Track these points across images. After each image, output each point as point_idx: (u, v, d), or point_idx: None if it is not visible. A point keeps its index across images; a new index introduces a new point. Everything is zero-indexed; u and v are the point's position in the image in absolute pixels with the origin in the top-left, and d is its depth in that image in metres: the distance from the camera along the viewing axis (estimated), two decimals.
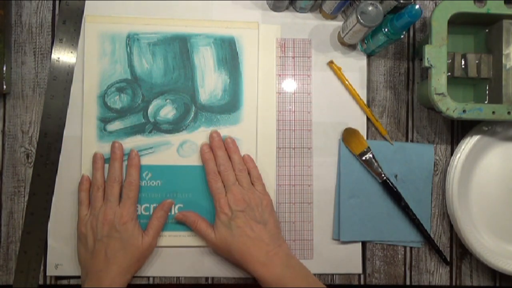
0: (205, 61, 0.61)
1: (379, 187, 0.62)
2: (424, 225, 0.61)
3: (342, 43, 0.63)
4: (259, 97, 0.62)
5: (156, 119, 0.61)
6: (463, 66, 0.60)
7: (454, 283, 0.63)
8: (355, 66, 0.63)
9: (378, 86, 0.64)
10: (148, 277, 0.60)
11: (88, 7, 0.61)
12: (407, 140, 0.64)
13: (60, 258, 0.59)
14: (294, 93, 0.63)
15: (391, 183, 0.61)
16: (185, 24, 0.61)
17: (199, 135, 0.61)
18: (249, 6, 0.62)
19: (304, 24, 0.63)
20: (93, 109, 0.60)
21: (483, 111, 0.56)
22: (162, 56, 0.61)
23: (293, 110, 0.62)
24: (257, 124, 0.61)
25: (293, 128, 0.62)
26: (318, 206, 0.62)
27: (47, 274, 0.59)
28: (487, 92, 0.61)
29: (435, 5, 0.62)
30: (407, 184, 0.62)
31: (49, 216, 0.59)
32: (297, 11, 0.63)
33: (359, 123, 0.63)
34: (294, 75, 0.63)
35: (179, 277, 0.60)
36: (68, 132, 0.60)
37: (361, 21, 0.55)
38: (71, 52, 0.60)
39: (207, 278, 0.61)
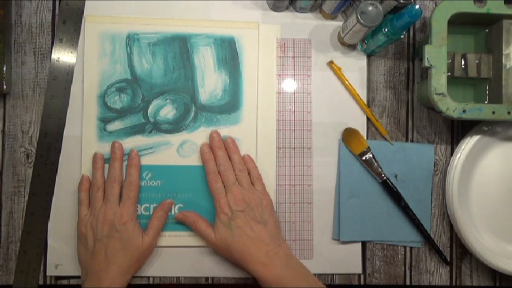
0: (205, 61, 0.61)
1: (379, 187, 0.62)
2: (424, 225, 0.61)
3: (342, 43, 0.63)
4: (259, 97, 0.62)
5: (156, 119, 0.61)
6: (463, 66, 0.60)
7: (454, 283, 0.63)
8: (355, 66, 0.63)
9: (378, 86, 0.64)
10: (148, 277, 0.60)
11: (88, 7, 0.61)
12: (407, 140, 0.64)
13: (60, 258, 0.59)
14: (294, 93, 0.63)
15: (391, 183, 0.61)
16: (185, 24, 0.61)
17: (199, 135, 0.61)
18: (249, 6, 0.62)
19: (304, 24, 0.63)
20: (93, 109, 0.60)
21: (483, 111, 0.56)
22: (162, 56, 0.61)
23: (293, 110, 0.62)
24: (257, 124, 0.61)
25: (293, 128, 0.62)
26: (318, 206, 0.62)
27: (47, 274, 0.59)
28: (487, 92, 0.61)
29: (435, 5, 0.62)
30: (407, 184, 0.62)
31: (49, 216, 0.59)
32: (297, 11, 0.63)
33: (359, 123, 0.63)
34: (294, 75, 0.63)
35: (179, 277, 0.61)
36: (68, 132, 0.60)
37: (361, 21, 0.55)
38: (71, 52, 0.60)
39: (207, 278, 0.61)
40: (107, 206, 0.56)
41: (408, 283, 0.63)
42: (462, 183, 0.61)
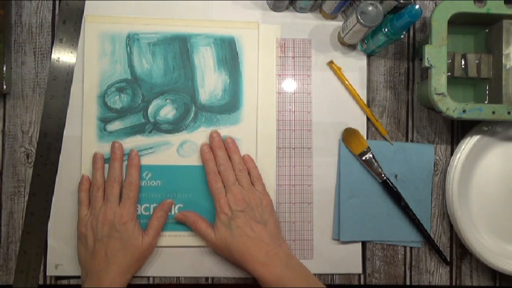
0: (205, 61, 0.61)
1: (379, 187, 0.62)
2: (424, 225, 0.61)
3: (342, 43, 0.63)
4: (259, 97, 0.62)
5: (156, 119, 0.61)
6: (463, 66, 0.60)
7: (454, 283, 0.63)
8: (355, 66, 0.63)
9: (378, 86, 0.64)
10: (148, 277, 0.60)
11: (88, 7, 0.61)
12: (407, 140, 0.64)
13: (60, 258, 0.59)
14: (294, 93, 0.63)
15: (391, 183, 0.61)
16: (185, 24, 0.61)
17: (199, 135, 0.61)
18: (249, 6, 0.62)
19: (304, 24, 0.63)
20: (93, 109, 0.60)
21: (483, 111, 0.56)
22: (162, 56, 0.61)
23: (293, 110, 0.62)
24: (257, 124, 0.61)
25: (293, 128, 0.62)
26: (318, 206, 0.62)
27: (47, 274, 0.59)
28: (487, 92, 0.61)
29: (435, 5, 0.62)
30: (407, 184, 0.62)
31: (49, 216, 0.59)
32: (297, 11, 0.63)
33: (359, 123, 0.63)
34: (294, 75, 0.63)
35: (179, 277, 0.61)
36: (68, 132, 0.60)
37: (361, 21, 0.55)
38: (71, 52, 0.60)
39: (207, 278, 0.61)
40: (107, 206, 0.56)
41: (408, 283, 0.63)
42: (462, 183, 0.61)
